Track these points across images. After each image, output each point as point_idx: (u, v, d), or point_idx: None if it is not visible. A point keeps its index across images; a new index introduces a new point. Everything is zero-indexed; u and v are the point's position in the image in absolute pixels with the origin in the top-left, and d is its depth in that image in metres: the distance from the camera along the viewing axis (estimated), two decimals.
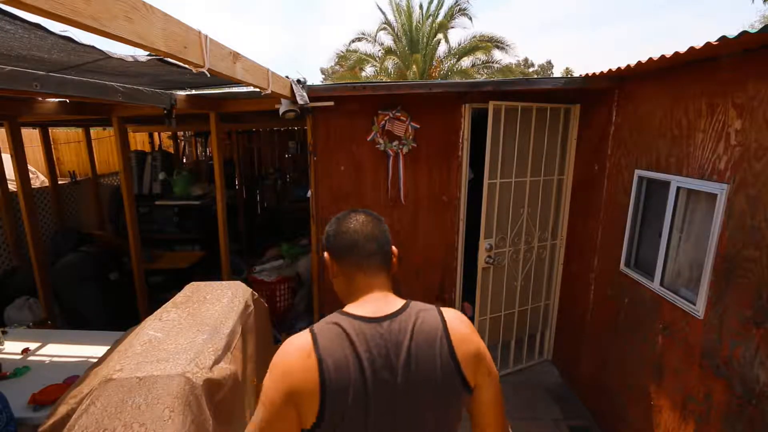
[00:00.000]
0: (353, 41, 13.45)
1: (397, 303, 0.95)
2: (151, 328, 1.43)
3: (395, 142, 3.08)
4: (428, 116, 3.07)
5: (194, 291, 1.85)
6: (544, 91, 2.79)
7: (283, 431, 0.84)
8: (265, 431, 0.84)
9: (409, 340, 0.88)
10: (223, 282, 2.00)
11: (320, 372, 0.83)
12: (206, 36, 1.29)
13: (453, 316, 0.95)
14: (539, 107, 2.88)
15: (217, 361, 1.35)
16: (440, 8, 12.64)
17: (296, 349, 0.86)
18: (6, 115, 3.10)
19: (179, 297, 1.77)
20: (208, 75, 1.40)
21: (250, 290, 1.98)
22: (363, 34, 13.28)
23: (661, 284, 2.12)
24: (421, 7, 12.97)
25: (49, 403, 1.79)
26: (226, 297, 1.78)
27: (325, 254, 1.02)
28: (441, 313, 0.94)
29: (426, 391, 0.87)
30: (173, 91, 2.68)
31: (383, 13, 13.10)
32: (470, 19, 12.62)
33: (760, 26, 1.42)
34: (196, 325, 1.48)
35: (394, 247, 1.04)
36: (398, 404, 0.86)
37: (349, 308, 0.94)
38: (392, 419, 0.86)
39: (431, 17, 12.91)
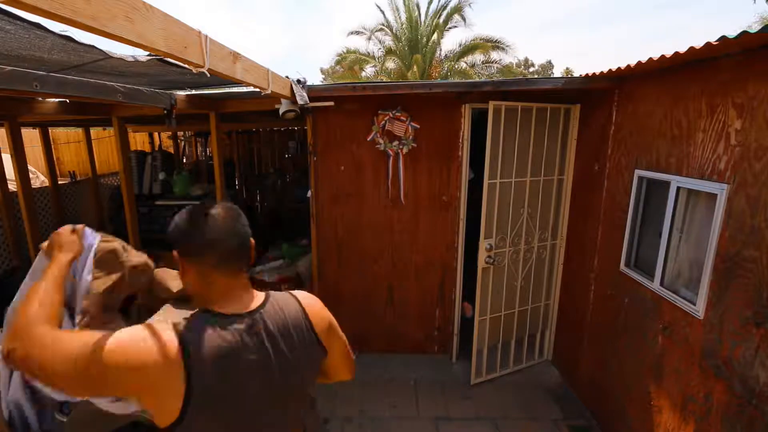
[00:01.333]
0: (351, 33, 13.46)
1: (260, 296, 1.00)
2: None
3: (395, 142, 3.08)
4: (428, 116, 3.07)
5: None
6: (544, 91, 2.78)
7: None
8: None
9: (278, 325, 0.96)
10: None
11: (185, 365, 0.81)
12: (206, 36, 1.29)
13: (305, 297, 1.07)
14: (539, 107, 2.88)
15: None
16: (442, 11, 12.66)
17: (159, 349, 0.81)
18: (6, 115, 3.10)
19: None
20: (208, 75, 1.40)
21: None
22: (364, 28, 13.30)
23: (661, 284, 2.12)
24: (419, 6, 12.99)
25: None
26: None
27: (174, 253, 0.95)
28: (296, 298, 1.05)
29: (295, 362, 0.97)
30: (173, 91, 2.68)
31: (382, 12, 13.12)
32: (464, 20, 12.69)
33: (759, 27, 1.42)
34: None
35: (252, 239, 1.01)
36: (274, 378, 0.94)
37: (216, 307, 0.91)
38: (268, 392, 0.94)
39: (431, 18, 12.93)
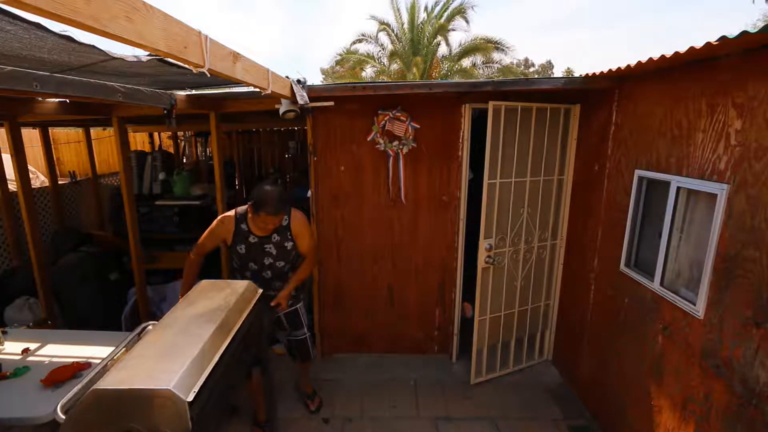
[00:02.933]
0: (354, 43, 13.48)
1: None
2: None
3: (395, 142, 3.08)
4: (428, 116, 3.07)
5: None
6: (543, 91, 2.78)
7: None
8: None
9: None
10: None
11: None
12: (206, 36, 1.29)
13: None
14: (539, 107, 2.88)
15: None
16: (444, 11, 12.66)
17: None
18: (6, 115, 3.10)
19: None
20: (208, 75, 1.40)
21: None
22: (363, 35, 13.31)
23: (661, 284, 2.12)
24: (415, 8, 12.99)
25: (63, 381, 1.93)
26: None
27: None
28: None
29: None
30: (173, 91, 2.68)
31: (379, 22, 13.12)
32: (467, 21, 12.69)
33: (761, 25, 1.42)
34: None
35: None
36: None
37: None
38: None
39: (432, 18, 12.93)
